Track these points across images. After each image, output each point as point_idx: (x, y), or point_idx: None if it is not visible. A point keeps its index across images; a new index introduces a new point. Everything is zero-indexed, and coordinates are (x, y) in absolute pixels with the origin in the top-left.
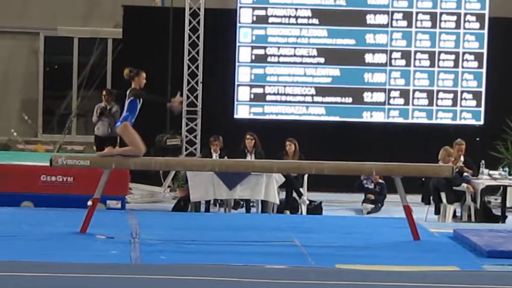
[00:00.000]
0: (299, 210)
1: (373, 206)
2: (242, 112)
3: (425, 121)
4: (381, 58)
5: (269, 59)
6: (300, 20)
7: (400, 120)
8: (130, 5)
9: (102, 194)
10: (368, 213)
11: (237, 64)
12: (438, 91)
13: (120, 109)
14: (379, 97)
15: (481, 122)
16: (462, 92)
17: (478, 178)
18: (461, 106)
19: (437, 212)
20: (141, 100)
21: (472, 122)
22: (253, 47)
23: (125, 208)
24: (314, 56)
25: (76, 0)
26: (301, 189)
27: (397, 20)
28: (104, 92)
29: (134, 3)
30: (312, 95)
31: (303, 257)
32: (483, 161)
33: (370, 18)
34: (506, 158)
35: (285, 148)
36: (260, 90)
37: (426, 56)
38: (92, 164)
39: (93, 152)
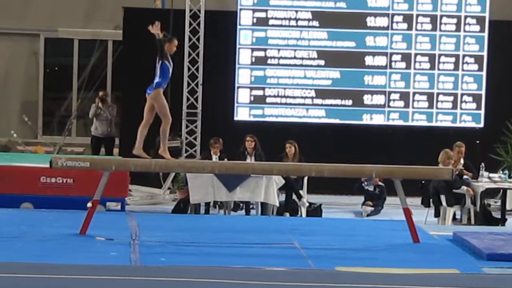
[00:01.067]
0: (299, 212)
1: (372, 208)
2: (242, 114)
3: (425, 123)
4: (381, 60)
5: (269, 61)
6: (300, 22)
7: (400, 122)
8: (130, 7)
9: (102, 196)
10: (368, 215)
11: (237, 66)
12: (438, 94)
13: (117, 107)
14: (379, 99)
15: (481, 125)
16: (462, 94)
17: (478, 181)
18: (461, 108)
19: (437, 214)
20: (171, 63)
21: (472, 124)
22: (253, 49)
23: (125, 210)
24: (314, 59)
25: (76, 1)
26: (301, 191)
27: (397, 22)
28: (100, 94)
29: (134, 5)
30: (312, 98)
31: (302, 260)
32: (483, 164)
33: (370, 21)
34: (506, 161)
35: (285, 150)
36: (260, 92)
37: (426, 58)
38: (92, 165)
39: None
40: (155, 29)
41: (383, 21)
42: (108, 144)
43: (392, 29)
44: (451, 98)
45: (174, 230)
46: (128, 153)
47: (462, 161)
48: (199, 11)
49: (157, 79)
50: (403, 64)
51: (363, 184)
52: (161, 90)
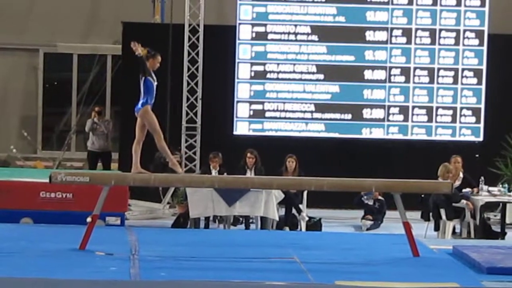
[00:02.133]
0: (299, 226)
1: (372, 222)
2: (241, 128)
3: (425, 137)
4: (380, 74)
5: (268, 75)
6: (299, 37)
7: (400, 136)
8: (129, 22)
9: (102, 211)
10: (367, 229)
11: (236, 80)
12: (437, 108)
13: (113, 122)
14: (379, 113)
15: (481, 139)
16: (461, 108)
17: (477, 194)
18: (460, 122)
19: (436, 228)
20: (155, 79)
21: (472, 138)
22: (252, 64)
23: (125, 225)
24: (313, 73)
25: (75, 16)
26: (300, 206)
27: (396, 36)
28: (96, 109)
29: (133, 19)
30: (312, 112)
31: (302, 274)
32: (482, 178)
33: (369, 35)
34: (505, 175)
35: (285, 164)
36: (259, 107)
37: (425, 72)
38: (92, 180)
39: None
40: (135, 48)
41: (382, 35)
42: (105, 159)
43: (391, 43)
44: (450, 112)
45: (174, 245)
46: (127, 167)
47: (461, 174)
48: (198, 25)
49: (142, 97)
50: (402, 78)
51: (362, 198)
52: (149, 106)
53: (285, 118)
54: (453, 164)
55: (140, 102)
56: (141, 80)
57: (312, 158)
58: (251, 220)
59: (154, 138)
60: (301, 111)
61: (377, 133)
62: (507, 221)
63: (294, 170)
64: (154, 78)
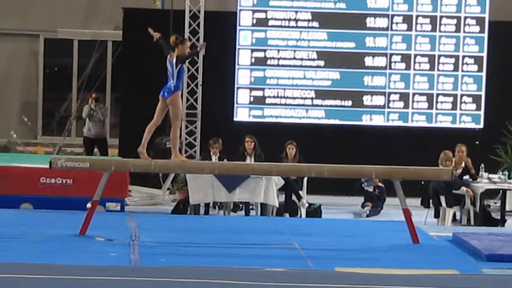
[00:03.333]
0: (298, 213)
1: (372, 209)
2: (241, 115)
3: (425, 124)
4: (381, 61)
5: (269, 62)
6: (300, 23)
7: (400, 123)
8: (130, 8)
9: (102, 197)
10: (367, 216)
11: (237, 67)
12: (437, 95)
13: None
14: (379, 100)
15: (481, 126)
16: (461, 95)
17: (477, 181)
18: (460, 109)
19: (436, 215)
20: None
21: (472, 125)
22: (253, 50)
23: (125, 211)
24: (314, 59)
25: (76, 2)
26: (300, 192)
27: (397, 23)
28: (93, 95)
29: (134, 5)
30: (312, 98)
31: (302, 260)
32: (482, 165)
33: (370, 21)
34: (505, 162)
35: (285, 150)
36: (259, 93)
37: (426, 59)
38: (92, 166)
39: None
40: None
41: (382, 22)
42: (102, 145)
43: (391, 30)
44: (450, 99)
45: (174, 231)
46: (127, 153)
47: (463, 164)
48: (199, 11)
49: (175, 83)
50: (402, 65)
51: (362, 185)
52: (179, 92)
53: (285, 104)
54: (457, 153)
55: (172, 86)
56: (176, 67)
57: (312, 145)
58: (251, 207)
59: (172, 125)
60: (301, 98)
61: (378, 120)
62: (507, 208)
63: (294, 157)
64: (186, 59)
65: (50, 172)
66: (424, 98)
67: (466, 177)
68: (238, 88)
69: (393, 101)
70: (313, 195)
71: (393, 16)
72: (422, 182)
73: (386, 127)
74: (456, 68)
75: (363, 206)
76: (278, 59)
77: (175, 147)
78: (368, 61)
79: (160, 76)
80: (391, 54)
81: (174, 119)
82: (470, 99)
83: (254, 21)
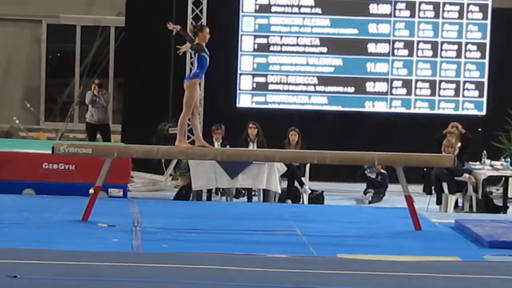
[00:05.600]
0: (301, 199)
1: (374, 195)
2: (244, 101)
3: (428, 111)
4: (383, 48)
5: (271, 48)
6: (303, 9)
7: (403, 110)
8: None
9: (104, 182)
10: (369, 202)
11: (239, 53)
12: (440, 81)
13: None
14: (382, 87)
15: (484, 113)
16: (464, 82)
17: (480, 168)
18: (463, 96)
19: (438, 202)
20: (207, 52)
21: (475, 112)
22: (255, 36)
23: (127, 197)
24: (316, 46)
25: None
26: (303, 179)
27: (400, 10)
28: (96, 81)
29: None
30: (315, 85)
31: (304, 247)
32: (485, 152)
33: (373, 8)
34: (508, 149)
35: (287, 137)
36: (262, 79)
37: (428, 46)
38: (94, 152)
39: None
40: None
41: (385, 8)
42: (104, 131)
43: (394, 16)
44: (453, 85)
45: (176, 217)
46: (130, 139)
47: (459, 143)
48: None
49: (195, 70)
50: (405, 52)
51: (365, 172)
52: (198, 80)
53: (288, 91)
54: (452, 133)
55: (192, 73)
56: (195, 56)
57: (315, 131)
58: (253, 193)
59: (183, 111)
60: (304, 84)
61: (380, 107)
62: (510, 195)
63: (296, 143)
64: (207, 51)
65: (52, 157)
66: (427, 84)
67: (469, 164)
68: (241, 74)
69: (396, 87)
70: (316, 182)
71: (396, 2)
72: (425, 169)
73: (389, 114)
74: (459, 55)
75: (365, 192)
76: (281, 45)
77: (181, 133)
78: (371, 47)
79: (163, 62)
80: (394, 41)
81: (185, 105)
82: (473, 86)
83: (257, 7)
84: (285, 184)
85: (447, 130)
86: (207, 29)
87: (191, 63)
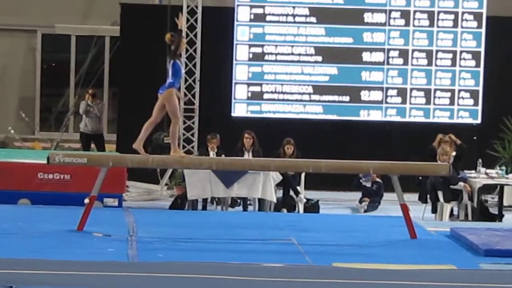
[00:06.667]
0: (296, 208)
1: (369, 204)
2: (239, 110)
3: (423, 119)
4: (378, 56)
5: (266, 57)
6: (297, 19)
7: (398, 118)
8: (127, 3)
9: (99, 192)
10: (365, 211)
11: (234, 62)
12: (435, 90)
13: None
14: (377, 95)
15: (479, 121)
16: (459, 90)
17: (475, 177)
18: (458, 105)
19: (434, 210)
20: (182, 63)
21: (470, 121)
22: (250, 45)
23: (122, 206)
24: (311, 55)
25: None
26: (298, 188)
27: (394, 18)
28: (90, 91)
29: (131, 1)
30: (310, 94)
31: (300, 256)
32: (480, 160)
33: (367, 17)
34: (503, 157)
35: (283, 148)
36: (257, 89)
37: (423, 54)
38: (89, 161)
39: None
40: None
41: (380, 17)
42: (98, 141)
43: (389, 25)
44: (448, 94)
45: (172, 226)
46: (125, 149)
47: (454, 153)
48: (197, 7)
49: (170, 79)
50: (400, 60)
51: (360, 180)
52: (174, 90)
53: (283, 100)
54: (447, 146)
55: (167, 83)
56: (169, 63)
57: (310, 140)
58: (249, 202)
59: (172, 121)
60: (299, 93)
61: (375, 115)
62: (505, 203)
63: (291, 156)
64: (181, 61)
65: (48, 167)
66: (421, 93)
67: (464, 173)
68: (236, 83)
69: (391, 96)
70: (311, 191)
71: (390, 11)
72: (420, 178)
73: (384, 123)
74: (453, 63)
75: (360, 201)
76: (276, 54)
77: (174, 142)
78: (366, 56)
79: (158, 71)
80: (389, 50)
81: (171, 115)
82: (467, 95)
83: (252, 16)
84: (280, 193)
85: (435, 142)
86: (184, 40)
87: (171, 73)
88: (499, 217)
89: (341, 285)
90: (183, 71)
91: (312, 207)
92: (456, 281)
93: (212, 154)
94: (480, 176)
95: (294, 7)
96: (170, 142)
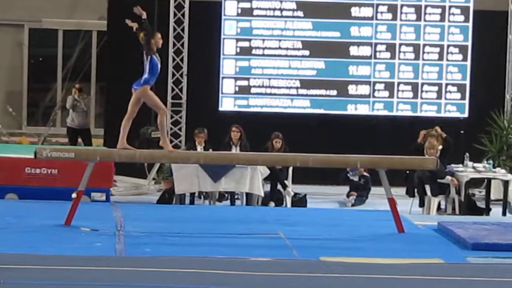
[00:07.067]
0: (284, 202)
1: (357, 198)
2: (226, 104)
3: (410, 113)
4: (365, 50)
5: (254, 51)
6: (285, 13)
7: (385, 112)
8: None
9: (87, 187)
10: (352, 205)
11: (222, 56)
12: (422, 84)
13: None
14: (364, 89)
15: (466, 115)
16: (446, 85)
17: (462, 171)
18: (445, 99)
19: (421, 204)
20: (159, 58)
21: (457, 115)
22: (238, 40)
23: (110, 201)
24: (299, 49)
25: None
26: (286, 182)
27: (381, 12)
28: (76, 86)
29: None
30: (297, 88)
31: (287, 250)
32: (467, 154)
33: (355, 11)
34: (490, 151)
35: (271, 142)
36: (245, 83)
37: (410, 49)
38: (77, 156)
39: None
40: (137, 10)
41: (367, 11)
42: (85, 135)
43: (376, 19)
44: (435, 88)
45: (159, 221)
46: (112, 143)
47: (440, 146)
48: (184, 1)
49: (145, 75)
50: (387, 54)
51: (348, 175)
52: (148, 86)
53: (270, 94)
54: (435, 140)
55: (142, 80)
56: (146, 58)
57: (297, 134)
58: (236, 196)
59: (158, 114)
60: (286, 87)
61: (363, 109)
62: (492, 197)
63: (279, 150)
64: (158, 57)
65: (35, 162)
66: (409, 87)
67: (451, 167)
68: (223, 77)
69: (378, 90)
70: (299, 185)
71: (378, 5)
72: (407, 172)
73: (371, 117)
74: (440, 58)
75: (348, 195)
76: (263, 48)
77: (163, 133)
78: (353, 50)
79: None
80: (376, 44)
81: (155, 109)
82: (455, 88)
83: (239, 10)
84: (268, 187)
85: (420, 139)
86: (159, 35)
87: (148, 69)
88: (486, 211)
89: (328, 279)
90: (159, 66)
91: (299, 201)
92: (444, 275)
93: (199, 148)
94: (467, 170)
95: (281, 1)
96: (160, 133)
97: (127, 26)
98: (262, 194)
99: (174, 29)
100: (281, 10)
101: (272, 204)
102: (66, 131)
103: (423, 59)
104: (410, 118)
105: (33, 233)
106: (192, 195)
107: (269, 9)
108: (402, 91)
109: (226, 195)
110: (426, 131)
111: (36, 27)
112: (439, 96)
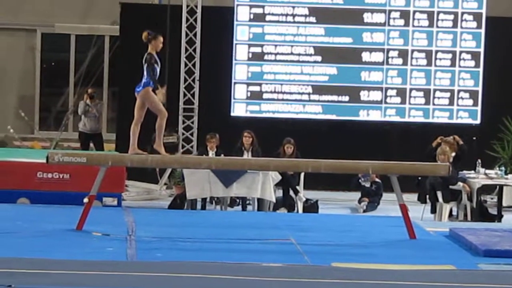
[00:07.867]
0: (295, 208)
1: (369, 204)
2: (238, 110)
3: (422, 120)
4: (378, 56)
5: (266, 57)
6: (297, 18)
7: (397, 118)
8: (127, 3)
9: (98, 191)
10: (364, 211)
11: (234, 62)
12: (435, 90)
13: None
14: (376, 95)
15: (478, 121)
16: (459, 91)
17: (474, 177)
18: (457, 105)
19: (433, 211)
20: (158, 62)
21: (469, 121)
22: (250, 45)
23: (121, 206)
24: (311, 55)
25: None
26: (297, 187)
27: (394, 18)
28: (88, 91)
29: (131, 0)
30: (309, 94)
31: (299, 255)
32: (479, 160)
33: (367, 17)
34: (502, 158)
35: (282, 148)
36: (257, 88)
37: (423, 55)
38: (89, 161)
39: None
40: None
41: (380, 17)
42: (97, 140)
43: (389, 25)
44: (447, 94)
45: (171, 226)
46: (124, 148)
47: (453, 153)
48: (196, 6)
49: (145, 79)
50: (400, 60)
51: (359, 180)
52: (150, 88)
53: (282, 100)
54: (449, 147)
55: (142, 83)
56: (144, 64)
57: (309, 140)
58: (248, 202)
59: (158, 117)
60: (298, 93)
61: (375, 115)
62: (504, 204)
63: (291, 155)
64: (158, 61)
65: (47, 166)
66: (421, 93)
67: (463, 173)
68: (235, 83)
69: (390, 96)
70: (310, 190)
71: (390, 11)
72: (419, 178)
73: (383, 123)
74: (453, 64)
75: (360, 201)
76: (275, 54)
77: (159, 136)
78: (365, 56)
79: None
80: (388, 50)
81: (157, 112)
82: (467, 95)
83: (251, 16)
84: (279, 193)
85: (434, 143)
86: (161, 38)
87: (146, 72)
88: (498, 217)
89: (340, 285)
90: (158, 68)
91: (311, 207)
92: (455, 281)
93: (211, 153)
94: (479, 177)
95: (293, 7)
96: (156, 136)
97: (139, 31)
98: (274, 200)
99: (187, 35)
100: (293, 15)
101: (283, 210)
102: (78, 136)
103: (436, 65)
104: (422, 124)
105: (45, 238)
106: (204, 200)
107: (282, 14)
108: (414, 97)
109: (238, 200)
110: (443, 136)
111: (49, 32)
112: (451, 103)
